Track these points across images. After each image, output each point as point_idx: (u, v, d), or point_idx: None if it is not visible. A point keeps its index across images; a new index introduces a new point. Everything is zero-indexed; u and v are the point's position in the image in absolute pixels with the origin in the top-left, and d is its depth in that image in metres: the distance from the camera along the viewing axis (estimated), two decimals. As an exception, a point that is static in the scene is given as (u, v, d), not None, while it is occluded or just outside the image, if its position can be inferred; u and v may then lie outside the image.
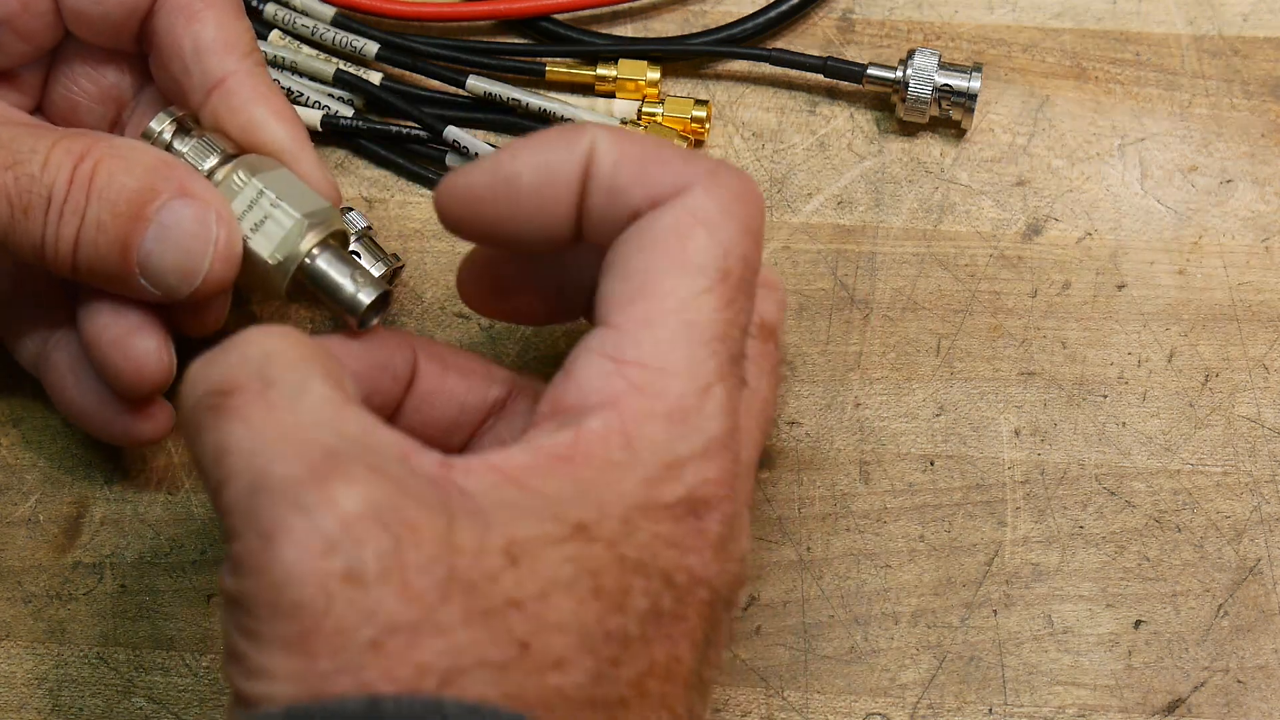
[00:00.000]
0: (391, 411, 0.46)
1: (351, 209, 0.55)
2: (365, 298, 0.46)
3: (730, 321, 0.40)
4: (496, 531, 0.37)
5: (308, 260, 0.47)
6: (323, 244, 0.47)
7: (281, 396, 0.38)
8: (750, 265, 0.41)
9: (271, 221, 0.47)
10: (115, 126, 0.53)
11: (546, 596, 0.37)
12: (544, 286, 0.46)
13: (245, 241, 0.47)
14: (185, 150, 0.48)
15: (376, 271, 0.52)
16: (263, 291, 0.48)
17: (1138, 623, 0.50)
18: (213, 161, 0.48)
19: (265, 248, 0.47)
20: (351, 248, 0.53)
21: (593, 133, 0.42)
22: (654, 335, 0.40)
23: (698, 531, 0.40)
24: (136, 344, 0.47)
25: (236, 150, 0.49)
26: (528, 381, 0.48)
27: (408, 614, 0.36)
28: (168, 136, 0.49)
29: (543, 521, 0.37)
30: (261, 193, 0.47)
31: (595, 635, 0.37)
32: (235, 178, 0.48)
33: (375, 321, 0.47)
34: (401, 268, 0.56)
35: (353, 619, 0.35)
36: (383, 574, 0.36)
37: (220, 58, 0.49)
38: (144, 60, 0.52)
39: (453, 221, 0.43)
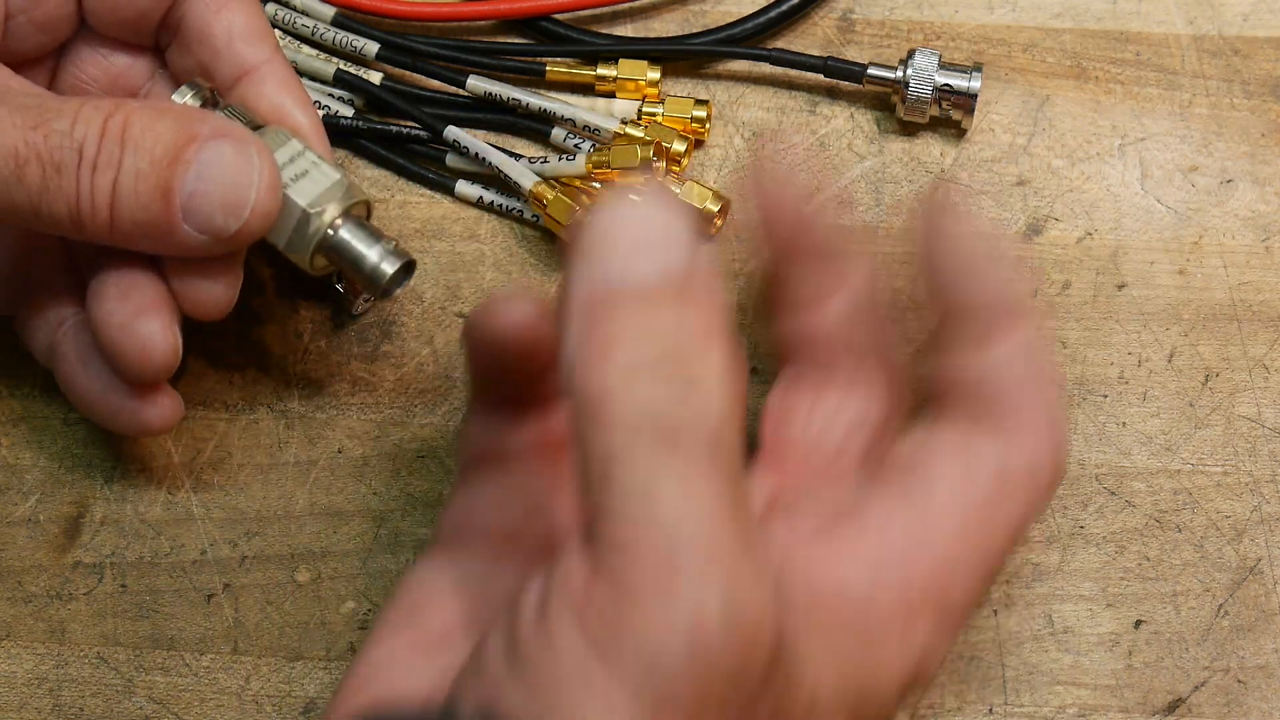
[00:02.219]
0: None
1: None
2: (389, 267, 0.46)
3: None
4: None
5: (330, 231, 0.47)
6: (346, 214, 0.47)
7: (722, 461, 0.36)
8: None
9: (316, 173, 0.47)
10: None
11: None
12: None
13: (284, 191, 0.47)
14: None
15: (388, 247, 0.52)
16: (290, 254, 0.48)
17: (1138, 623, 0.50)
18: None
19: (304, 197, 0.47)
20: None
21: None
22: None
23: None
24: (143, 326, 0.47)
25: (261, 124, 0.49)
26: None
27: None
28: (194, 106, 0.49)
29: None
30: (302, 152, 0.48)
31: None
32: (274, 134, 0.48)
33: (398, 291, 0.47)
34: (413, 263, 0.55)
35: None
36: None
37: (254, 46, 0.50)
38: (156, 51, 0.52)
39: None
